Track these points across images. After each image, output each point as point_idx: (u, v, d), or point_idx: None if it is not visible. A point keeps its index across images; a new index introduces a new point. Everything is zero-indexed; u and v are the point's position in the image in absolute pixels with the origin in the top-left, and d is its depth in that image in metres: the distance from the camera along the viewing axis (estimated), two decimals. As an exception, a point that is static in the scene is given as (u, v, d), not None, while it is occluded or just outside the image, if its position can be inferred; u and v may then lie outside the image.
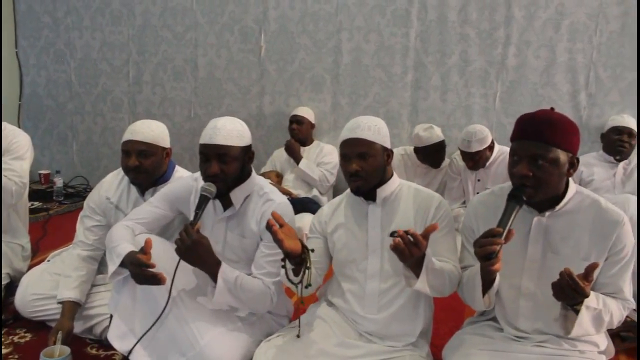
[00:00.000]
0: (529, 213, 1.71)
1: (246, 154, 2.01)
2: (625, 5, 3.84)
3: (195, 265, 1.87)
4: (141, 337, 1.89)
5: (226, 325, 1.94)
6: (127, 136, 2.28)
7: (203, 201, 1.89)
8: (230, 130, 1.94)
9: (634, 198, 2.90)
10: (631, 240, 1.67)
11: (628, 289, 1.70)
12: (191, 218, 1.96)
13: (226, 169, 1.93)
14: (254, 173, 2.10)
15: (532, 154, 1.59)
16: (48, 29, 5.00)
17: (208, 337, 1.86)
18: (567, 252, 1.69)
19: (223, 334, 1.91)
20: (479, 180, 3.62)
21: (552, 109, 1.66)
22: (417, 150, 3.90)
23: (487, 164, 3.56)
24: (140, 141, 2.25)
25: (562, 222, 1.69)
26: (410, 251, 1.57)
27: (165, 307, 1.85)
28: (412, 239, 1.57)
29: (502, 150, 3.59)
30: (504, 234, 1.55)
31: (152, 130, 2.30)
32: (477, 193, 3.58)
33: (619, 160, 3.58)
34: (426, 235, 1.58)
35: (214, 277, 1.87)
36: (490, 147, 3.53)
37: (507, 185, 1.76)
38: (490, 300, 1.71)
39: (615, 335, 2.13)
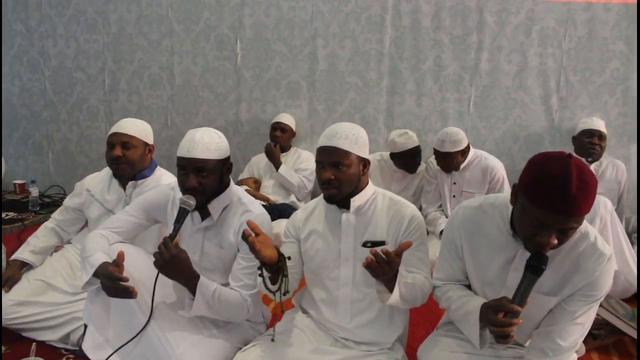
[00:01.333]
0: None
1: (224, 165, 2.01)
2: (592, 11, 3.95)
3: (174, 278, 1.88)
4: (118, 349, 1.87)
5: (202, 333, 1.95)
6: (112, 130, 2.49)
7: (182, 214, 1.89)
8: (208, 143, 1.94)
9: (604, 199, 2.96)
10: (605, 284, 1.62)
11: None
12: (169, 228, 1.97)
13: (204, 182, 1.94)
14: (232, 183, 2.10)
15: (564, 227, 1.45)
16: (21, 37, 4.94)
17: (184, 345, 1.86)
18: (549, 286, 1.64)
19: (199, 342, 1.91)
20: (454, 183, 3.66)
21: (569, 155, 1.44)
22: (392, 156, 3.94)
23: (462, 167, 3.60)
24: (125, 133, 2.46)
25: (554, 261, 1.62)
26: (383, 269, 1.59)
27: (148, 321, 1.84)
28: (385, 257, 1.57)
29: (477, 154, 3.64)
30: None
31: (136, 126, 2.52)
32: (454, 196, 3.65)
33: (591, 162, 3.67)
34: (399, 252, 1.59)
35: (192, 290, 1.88)
36: (464, 152, 3.55)
37: (500, 202, 1.71)
38: (486, 337, 1.67)
39: (587, 333, 2.17)
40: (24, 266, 2.51)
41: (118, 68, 4.82)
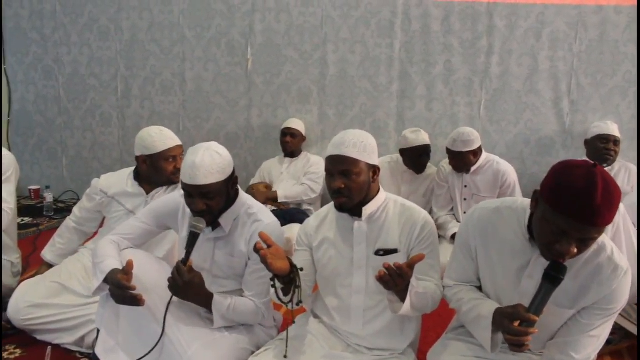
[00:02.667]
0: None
1: (229, 182, 2.00)
2: (603, 14, 3.93)
3: (188, 301, 1.95)
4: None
5: (214, 335, 1.96)
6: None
7: (193, 239, 1.91)
8: (209, 167, 1.90)
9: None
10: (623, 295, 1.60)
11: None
12: (179, 235, 1.98)
13: (212, 204, 1.94)
14: (241, 192, 2.11)
15: (585, 237, 1.45)
16: (36, 46, 5.01)
17: (196, 346, 1.88)
18: (564, 298, 1.63)
19: (211, 343, 1.93)
20: (465, 186, 3.66)
21: (595, 165, 1.43)
22: (402, 152, 3.93)
23: (474, 169, 3.60)
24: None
25: (571, 272, 1.59)
26: (395, 282, 1.59)
27: (161, 337, 1.86)
28: (397, 270, 1.57)
29: (489, 158, 3.63)
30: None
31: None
32: (465, 199, 3.65)
33: (605, 167, 3.64)
34: (411, 265, 1.59)
35: (207, 309, 1.95)
36: (475, 153, 3.55)
37: (517, 205, 1.70)
38: (498, 340, 1.66)
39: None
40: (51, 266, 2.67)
41: (130, 75, 4.88)
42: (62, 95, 5.06)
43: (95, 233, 2.84)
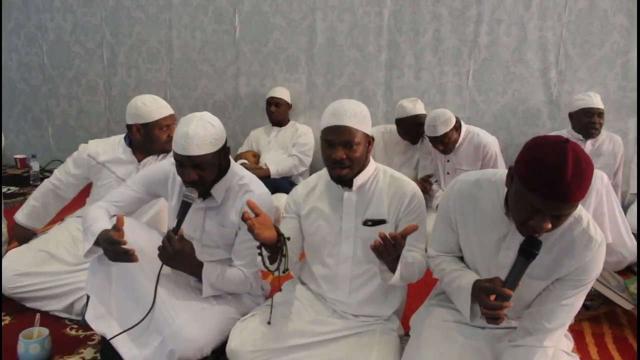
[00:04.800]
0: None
1: (222, 153, 2.00)
2: (593, -17, 3.91)
3: (179, 269, 1.97)
4: (128, 329, 1.90)
5: (202, 305, 1.99)
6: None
7: (185, 208, 1.91)
8: (202, 138, 1.89)
9: (600, 173, 2.98)
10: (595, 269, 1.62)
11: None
12: (168, 204, 1.98)
13: (204, 175, 1.95)
14: (232, 163, 2.11)
15: (558, 213, 1.46)
16: (17, 11, 4.91)
17: (184, 316, 1.90)
18: (539, 270, 1.65)
19: (199, 313, 1.95)
20: (448, 160, 3.66)
21: (567, 141, 1.43)
22: (399, 122, 3.90)
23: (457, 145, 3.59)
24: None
25: (546, 245, 1.61)
26: (388, 251, 1.62)
27: (152, 308, 1.87)
28: (392, 240, 1.60)
29: (469, 130, 3.62)
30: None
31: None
32: (448, 173, 3.67)
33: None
34: (405, 235, 1.61)
35: (197, 277, 1.98)
36: (457, 128, 3.52)
37: (497, 178, 1.71)
38: (477, 310, 1.69)
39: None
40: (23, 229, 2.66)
41: (116, 42, 4.81)
42: (46, 62, 4.99)
43: (77, 203, 2.83)
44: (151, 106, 2.53)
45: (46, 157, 5.05)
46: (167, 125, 2.56)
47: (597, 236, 1.60)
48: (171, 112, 2.60)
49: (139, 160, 2.59)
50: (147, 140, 2.55)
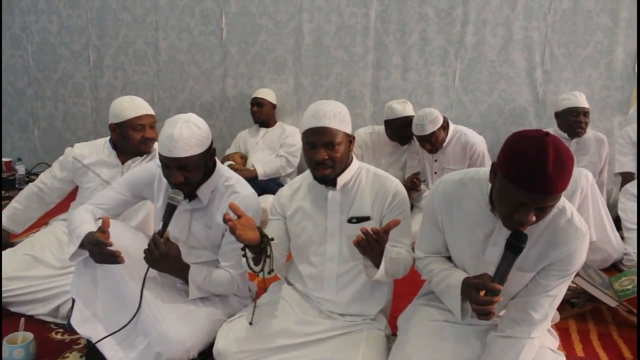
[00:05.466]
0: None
1: (207, 154, 2.00)
2: (576, -17, 3.94)
3: (165, 272, 1.96)
4: (114, 332, 1.89)
5: (188, 307, 1.99)
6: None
7: (170, 210, 1.91)
8: (187, 139, 1.89)
9: (585, 171, 3.00)
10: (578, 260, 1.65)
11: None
12: (154, 205, 1.98)
13: (190, 176, 1.95)
14: (218, 164, 2.11)
15: (542, 205, 1.48)
16: (2, 13, 4.86)
17: (170, 318, 1.90)
18: (526, 263, 1.67)
19: (185, 315, 1.95)
20: (435, 160, 3.68)
21: (546, 133, 1.46)
22: (388, 123, 3.90)
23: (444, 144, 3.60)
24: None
25: (532, 237, 1.63)
26: (372, 247, 1.63)
27: (138, 310, 1.86)
28: (374, 235, 1.61)
29: (456, 130, 3.64)
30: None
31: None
32: (435, 173, 3.68)
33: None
34: (387, 230, 1.63)
35: (183, 280, 1.97)
36: (444, 127, 3.55)
37: (480, 176, 1.73)
38: (467, 308, 1.70)
39: (565, 301, 2.22)
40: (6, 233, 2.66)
41: (102, 44, 4.78)
42: (31, 64, 4.95)
43: (61, 207, 2.81)
44: (127, 105, 2.54)
45: (32, 160, 5.01)
46: (140, 125, 2.53)
47: (582, 226, 1.63)
48: (148, 112, 2.57)
49: (123, 162, 2.58)
50: (122, 140, 2.56)
